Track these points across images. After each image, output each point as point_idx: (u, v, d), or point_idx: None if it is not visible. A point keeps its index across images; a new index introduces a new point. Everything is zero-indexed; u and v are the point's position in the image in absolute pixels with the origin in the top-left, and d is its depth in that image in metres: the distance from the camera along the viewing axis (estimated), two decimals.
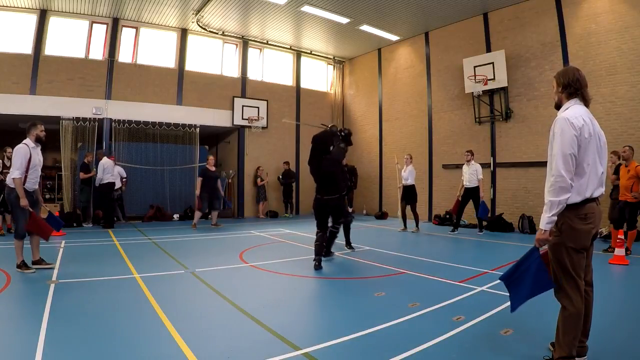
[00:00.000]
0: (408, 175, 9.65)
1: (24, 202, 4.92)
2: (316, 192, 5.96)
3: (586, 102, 2.56)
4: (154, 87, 12.04)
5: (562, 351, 2.41)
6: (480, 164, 10.46)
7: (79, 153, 11.20)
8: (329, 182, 5.77)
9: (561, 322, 2.45)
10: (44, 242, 5.55)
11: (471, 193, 9.19)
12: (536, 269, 2.46)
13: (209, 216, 10.98)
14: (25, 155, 4.99)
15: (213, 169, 10.35)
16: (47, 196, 13.86)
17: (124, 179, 10.97)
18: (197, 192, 10.05)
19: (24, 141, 5.13)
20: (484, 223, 9.86)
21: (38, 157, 5.20)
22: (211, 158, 10.54)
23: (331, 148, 5.90)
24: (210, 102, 12.92)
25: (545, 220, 2.39)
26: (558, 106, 2.63)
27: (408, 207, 9.83)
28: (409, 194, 9.65)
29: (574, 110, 2.46)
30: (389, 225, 11.44)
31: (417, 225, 9.74)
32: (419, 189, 12.67)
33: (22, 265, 5.04)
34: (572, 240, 2.42)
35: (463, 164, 9.58)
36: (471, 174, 9.14)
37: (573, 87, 2.53)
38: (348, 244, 7.20)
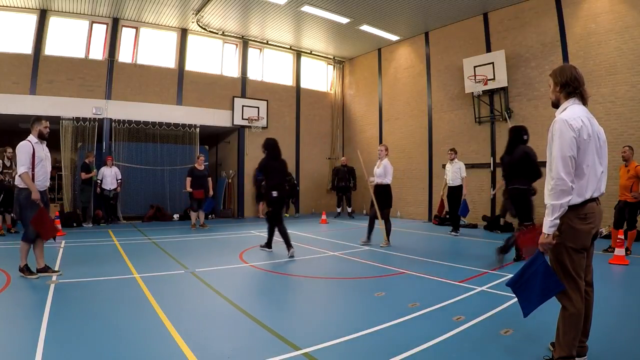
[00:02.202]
0: (382, 171, 7.52)
1: (35, 195, 4.64)
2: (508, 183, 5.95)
3: (584, 101, 2.53)
4: (154, 87, 12.04)
5: (562, 351, 2.41)
6: (480, 164, 10.50)
7: (79, 153, 11.20)
8: (519, 170, 5.74)
9: (561, 322, 2.45)
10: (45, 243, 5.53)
11: (455, 191, 9.07)
12: (544, 272, 2.44)
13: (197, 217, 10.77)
14: (28, 151, 4.75)
15: (202, 167, 10.29)
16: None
17: (118, 180, 10.91)
18: (189, 189, 9.96)
19: (28, 138, 4.92)
20: (464, 221, 9.82)
21: (43, 152, 4.95)
22: (202, 157, 10.50)
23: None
24: (210, 102, 12.93)
25: (548, 224, 2.37)
26: (555, 105, 2.61)
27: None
28: (380, 196, 7.52)
29: (572, 111, 2.43)
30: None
31: (387, 238, 7.52)
32: (418, 189, 12.78)
33: (25, 270, 4.82)
34: (572, 240, 2.41)
35: (446, 163, 9.42)
36: (454, 172, 9.02)
37: (571, 86, 2.49)
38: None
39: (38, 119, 5.01)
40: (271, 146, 6.90)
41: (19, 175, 4.71)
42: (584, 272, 2.48)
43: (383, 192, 7.51)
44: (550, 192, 2.38)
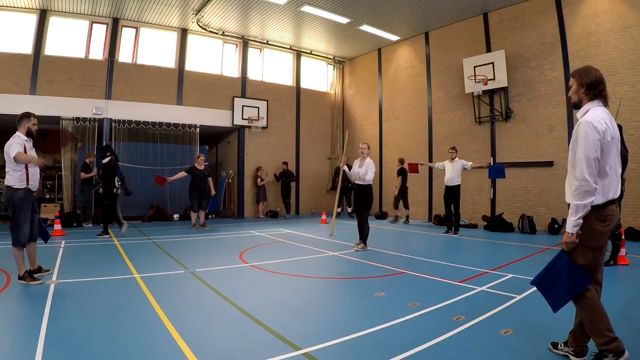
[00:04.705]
0: (366, 169, 6.98)
1: (40, 160, 4.49)
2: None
3: (606, 103, 2.55)
4: (154, 87, 12.04)
5: (600, 339, 2.46)
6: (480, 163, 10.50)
7: (79, 153, 11.20)
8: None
9: (582, 315, 2.51)
10: (43, 242, 5.52)
11: (452, 192, 9.02)
12: (569, 270, 2.50)
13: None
14: (21, 143, 4.50)
15: (201, 167, 10.30)
16: (47, 196, 13.86)
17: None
18: (171, 178, 10.08)
19: (15, 134, 4.61)
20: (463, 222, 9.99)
21: (32, 151, 4.70)
22: (202, 157, 10.52)
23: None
24: (210, 102, 12.93)
25: (572, 224, 2.43)
26: (577, 106, 2.62)
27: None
28: (360, 197, 7.10)
29: (595, 113, 2.45)
30: (389, 225, 11.44)
31: (364, 241, 7.10)
32: (418, 189, 12.77)
33: (27, 276, 4.57)
34: (589, 240, 2.45)
35: (445, 161, 9.33)
36: (455, 171, 8.97)
37: (597, 88, 2.51)
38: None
39: (27, 115, 4.71)
40: (113, 150, 8.95)
41: (14, 157, 4.40)
42: (595, 270, 2.52)
43: (364, 193, 7.03)
44: (574, 193, 2.42)
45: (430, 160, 12.26)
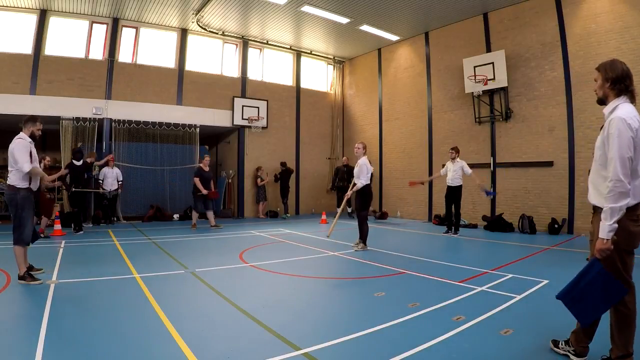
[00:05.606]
0: (358, 171, 7.06)
1: (51, 177, 4.79)
2: None
3: (634, 100, 2.44)
4: (154, 87, 12.04)
5: (619, 350, 2.42)
6: (480, 164, 10.50)
7: None
8: None
9: (615, 323, 2.44)
10: (43, 243, 5.53)
11: (453, 192, 9.00)
12: (603, 280, 2.36)
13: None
14: (27, 147, 4.59)
15: (207, 169, 10.32)
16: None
17: (120, 182, 10.89)
18: (204, 191, 10.03)
19: (20, 136, 4.68)
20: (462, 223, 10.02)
21: (35, 154, 4.77)
22: (207, 158, 10.52)
23: None
24: (210, 102, 12.93)
25: (607, 229, 2.28)
26: (601, 102, 2.54)
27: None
28: (358, 196, 7.15)
29: (627, 110, 2.36)
30: (389, 225, 11.44)
31: (364, 241, 7.11)
32: (418, 189, 12.73)
33: (27, 276, 4.61)
34: (626, 243, 2.38)
35: (446, 162, 9.32)
36: (455, 172, 8.93)
37: (624, 83, 2.41)
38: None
39: (32, 118, 4.81)
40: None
41: (29, 172, 4.55)
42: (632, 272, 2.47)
43: (361, 193, 7.03)
44: (608, 195, 2.29)
45: (430, 161, 12.27)
